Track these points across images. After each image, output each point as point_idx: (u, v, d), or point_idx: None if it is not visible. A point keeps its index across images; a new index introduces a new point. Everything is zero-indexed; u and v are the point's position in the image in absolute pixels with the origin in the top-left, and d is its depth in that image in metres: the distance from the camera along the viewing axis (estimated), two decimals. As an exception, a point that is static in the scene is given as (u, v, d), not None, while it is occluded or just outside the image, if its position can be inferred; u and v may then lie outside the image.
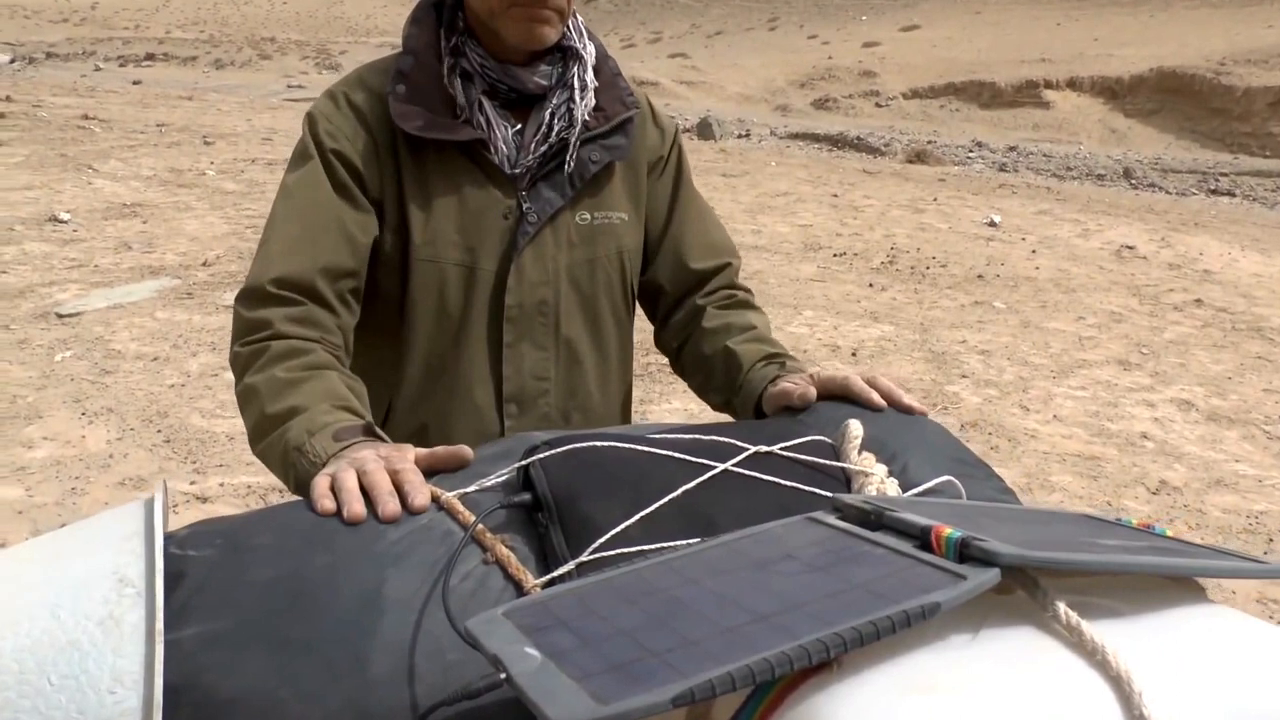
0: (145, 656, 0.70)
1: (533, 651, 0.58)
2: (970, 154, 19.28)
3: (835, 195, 11.03)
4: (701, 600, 0.62)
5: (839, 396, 1.17)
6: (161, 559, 0.75)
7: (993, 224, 9.48)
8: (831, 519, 0.74)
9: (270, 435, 1.09)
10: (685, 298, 1.51)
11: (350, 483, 0.89)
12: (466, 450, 0.96)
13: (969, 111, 27.33)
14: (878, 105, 28.78)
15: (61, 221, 7.27)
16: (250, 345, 1.20)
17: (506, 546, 0.82)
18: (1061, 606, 0.62)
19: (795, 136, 21.98)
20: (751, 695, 0.58)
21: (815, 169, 14.11)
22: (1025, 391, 5.03)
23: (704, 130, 21.04)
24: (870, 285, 7.09)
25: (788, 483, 0.89)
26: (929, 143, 20.28)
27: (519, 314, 1.36)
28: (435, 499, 0.87)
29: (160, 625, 0.71)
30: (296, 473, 1.03)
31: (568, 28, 1.37)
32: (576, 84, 1.37)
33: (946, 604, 0.58)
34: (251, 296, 1.23)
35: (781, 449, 0.93)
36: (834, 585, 0.62)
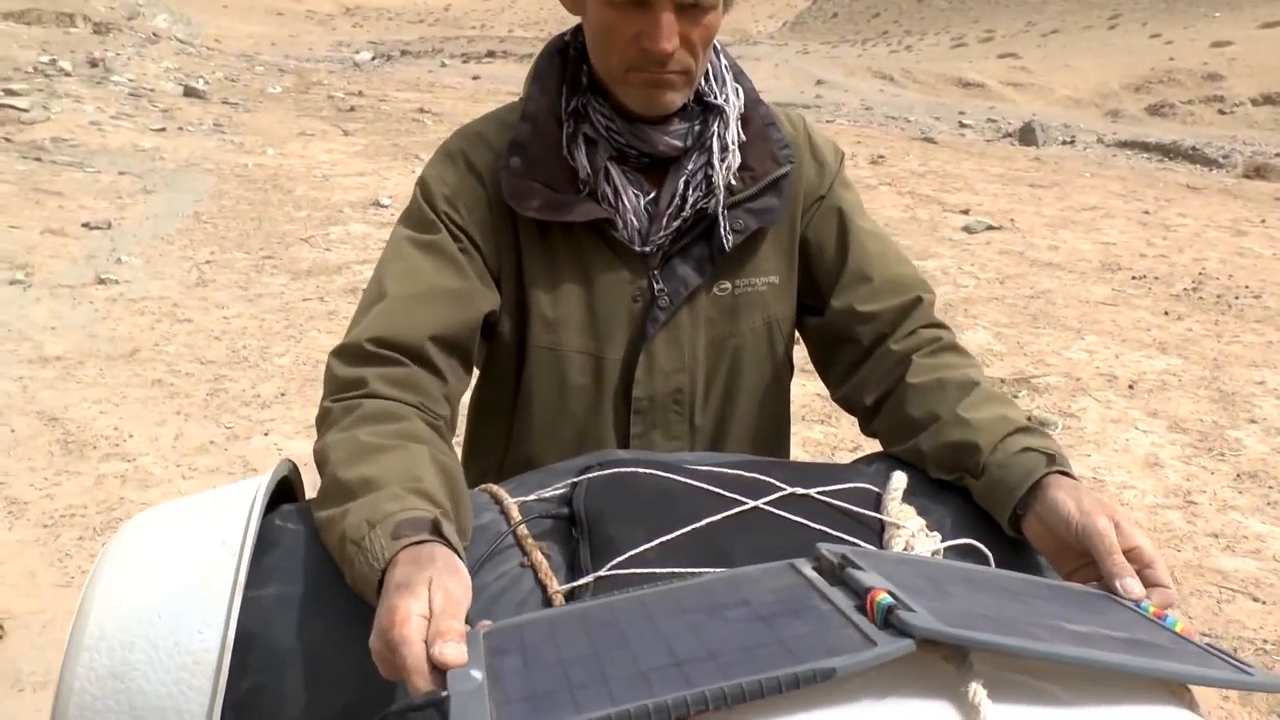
0: (226, 607, 0.86)
1: (477, 674, 0.67)
2: (1327, 169, 17.12)
3: (1147, 212, 10.22)
4: (641, 639, 0.69)
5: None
6: (256, 528, 0.91)
7: (1331, 252, 8.45)
8: (806, 568, 0.78)
9: (333, 507, 0.93)
10: (875, 345, 1.26)
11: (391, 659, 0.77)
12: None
13: (1333, 121, 24.32)
14: (1220, 112, 26.20)
15: (383, 206, 8.11)
16: (341, 402, 1.07)
17: (543, 553, 0.92)
18: (974, 685, 0.64)
19: (1124, 145, 20.46)
20: None
21: (1132, 182, 13.11)
22: (1327, 445, 4.50)
23: (1026, 135, 20.03)
24: (1166, 313, 6.56)
25: (816, 525, 0.93)
26: (1276, 155, 18.23)
27: (649, 405, 1.25)
28: (498, 501, 0.99)
29: (242, 582, 0.87)
30: (352, 568, 0.87)
31: (708, 77, 1.24)
32: (715, 144, 1.21)
33: (843, 670, 0.62)
34: (349, 353, 1.11)
35: (819, 493, 0.97)
36: (761, 637, 0.67)
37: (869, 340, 1.26)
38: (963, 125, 23.05)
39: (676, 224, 1.21)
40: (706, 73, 1.24)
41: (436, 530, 0.89)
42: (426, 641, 0.74)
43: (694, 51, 1.14)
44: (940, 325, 1.28)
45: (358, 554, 0.87)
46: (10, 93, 11.93)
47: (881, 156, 13.32)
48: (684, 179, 1.21)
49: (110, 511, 3.30)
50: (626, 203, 1.20)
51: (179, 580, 0.88)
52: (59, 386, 4.30)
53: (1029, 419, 1.10)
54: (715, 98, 1.23)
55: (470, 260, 1.19)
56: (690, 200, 1.21)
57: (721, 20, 1.15)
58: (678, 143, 1.21)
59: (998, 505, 1.01)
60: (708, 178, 1.21)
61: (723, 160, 1.21)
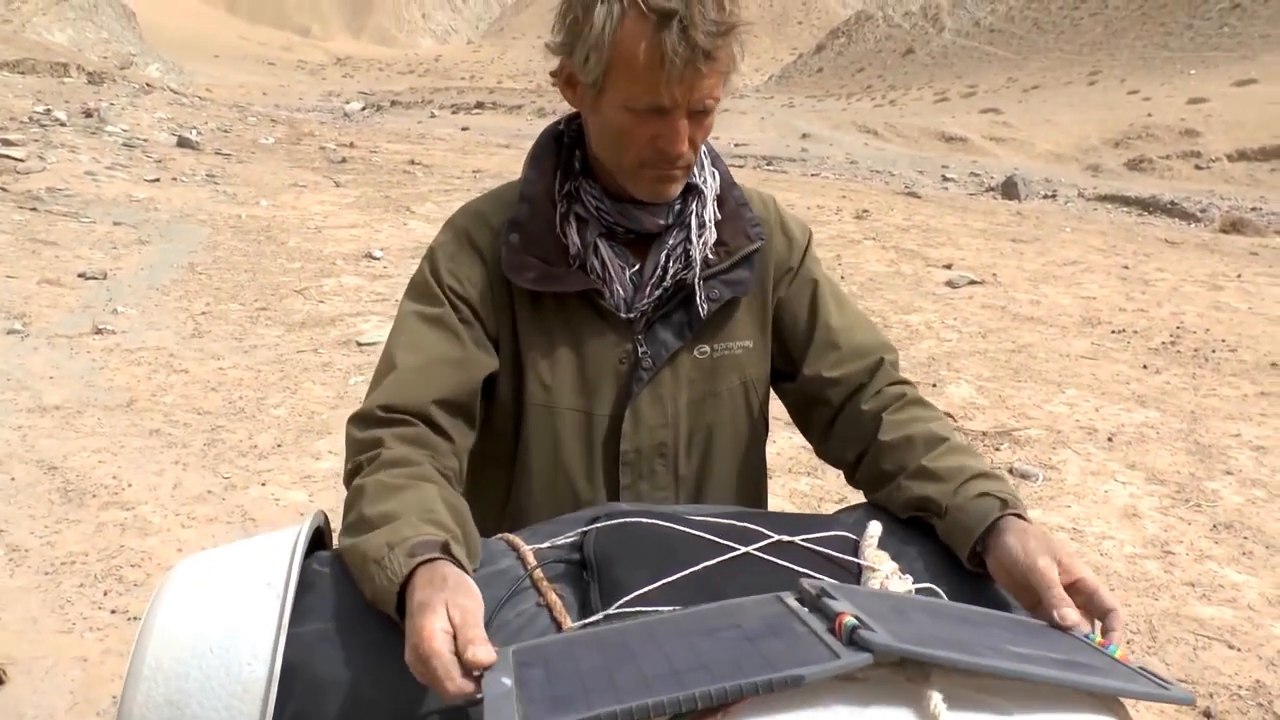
0: (273, 642, 0.95)
1: (507, 681, 0.79)
2: (1302, 224, 17.49)
3: (1126, 266, 10.45)
4: (647, 654, 0.80)
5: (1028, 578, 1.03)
6: (297, 572, 1.00)
7: (1304, 306, 8.65)
8: (790, 599, 0.89)
9: (357, 536, 1.06)
10: (845, 405, 1.40)
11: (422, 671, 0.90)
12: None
13: (1307, 177, 24.84)
14: (1197, 168, 26.74)
15: (374, 258, 8.23)
16: (364, 455, 1.20)
17: (556, 594, 1.02)
18: (934, 696, 0.75)
19: (1104, 199, 20.84)
20: None
21: (1112, 237, 13.39)
22: (1300, 496, 4.62)
23: (1009, 189, 20.39)
24: (1144, 367, 6.72)
25: (800, 569, 1.03)
26: (1252, 210, 18.65)
27: (636, 458, 1.37)
28: (515, 548, 1.09)
29: (286, 620, 0.96)
30: (373, 584, 1.00)
31: None
32: (694, 222, 1.35)
33: (811, 677, 0.73)
34: (364, 419, 1.25)
35: (804, 540, 1.08)
36: (746, 652, 0.78)
37: (839, 401, 1.41)
38: (946, 179, 23.48)
39: (658, 293, 1.35)
40: None
41: (446, 550, 1.02)
42: (457, 651, 0.88)
43: (696, 148, 1.28)
44: (903, 381, 1.42)
45: (378, 571, 1.00)
46: (7, 143, 12.09)
47: (866, 211, 13.56)
48: (665, 253, 1.34)
49: (110, 559, 3.36)
50: (614, 274, 1.33)
51: (228, 617, 0.98)
52: (58, 435, 4.37)
53: (992, 468, 1.22)
54: (695, 180, 1.37)
55: (470, 329, 1.32)
56: (671, 272, 1.34)
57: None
58: (661, 220, 1.34)
59: (958, 544, 1.14)
60: (686, 252, 1.35)
61: (700, 236, 1.35)
